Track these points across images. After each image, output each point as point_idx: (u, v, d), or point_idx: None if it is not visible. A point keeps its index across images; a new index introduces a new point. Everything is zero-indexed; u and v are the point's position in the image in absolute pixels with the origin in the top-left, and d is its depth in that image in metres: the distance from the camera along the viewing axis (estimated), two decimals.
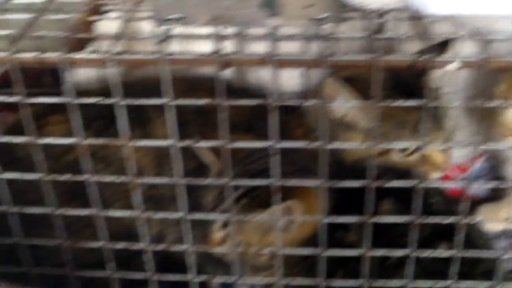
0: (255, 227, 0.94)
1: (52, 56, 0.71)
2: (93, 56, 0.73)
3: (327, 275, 1.01)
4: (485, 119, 1.38)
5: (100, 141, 0.77)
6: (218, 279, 0.95)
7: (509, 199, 1.34)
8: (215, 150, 0.97)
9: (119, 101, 0.72)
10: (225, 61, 0.70)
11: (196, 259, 1.22)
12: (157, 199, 1.19)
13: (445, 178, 1.40)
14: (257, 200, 0.90)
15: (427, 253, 0.83)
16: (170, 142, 0.74)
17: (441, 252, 0.86)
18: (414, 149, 1.15)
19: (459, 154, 1.45)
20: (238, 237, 0.96)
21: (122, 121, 0.73)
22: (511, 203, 1.33)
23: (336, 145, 0.77)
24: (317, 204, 0.94)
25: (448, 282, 0.86)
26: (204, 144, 0.75)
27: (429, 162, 1.14)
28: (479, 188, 1.47)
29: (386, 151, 1.13)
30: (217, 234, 0.96)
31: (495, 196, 1.45)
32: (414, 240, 0.79)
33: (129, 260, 1.21)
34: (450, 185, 0.85)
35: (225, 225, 0.94)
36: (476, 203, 1.43)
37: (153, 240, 1.21)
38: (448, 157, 1.16)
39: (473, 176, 1.48)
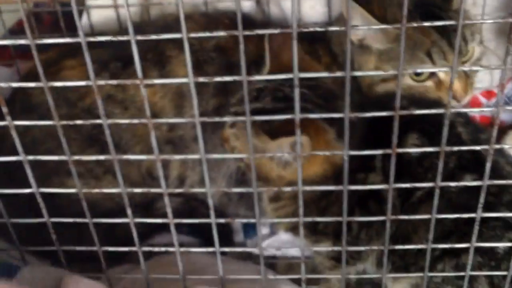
0: (272, 159, 0.93)
1: None
2: None
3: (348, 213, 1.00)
4: None
5: (113, 81, 0.74)
6: (239, 221, 0.93)
7: None
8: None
9: (132, 38, 0.69)
10: None
11: (217, 201, 1.22)
12: (177, 140, 1.17)
13: (472, 105, 1.38)
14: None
15: (453, 184, 0.80)
16: (185, 79, 0.71)
17: (467, 183, 0.82)
18: (429, 74, 1.12)
19: (487, 79, 1.41)
20: (235, 142, 0.95)
21: (136, 59, 0.70)
22: None
23: (359, 73, 0.74)
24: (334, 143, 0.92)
25: (473, 214, 0.82)
26: (220, 78, 0.72)
27: (445, 88, 1.11)
28: (507, 114, 1.45)
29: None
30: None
31: None
32: (441, 169, 0.76)
33: (151, 205, 1.21)
34: (477, 112, 0.82)
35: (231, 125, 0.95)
36: (504, 129, 1.41)
37: (174, 183, 1.21)
38: (468, 84, 1.13)
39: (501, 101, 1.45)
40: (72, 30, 1.40)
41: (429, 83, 1.12)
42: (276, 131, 0.86)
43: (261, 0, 1.31)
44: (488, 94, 1.43)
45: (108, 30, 1.28)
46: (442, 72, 1.12)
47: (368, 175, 1.00)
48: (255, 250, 0.90)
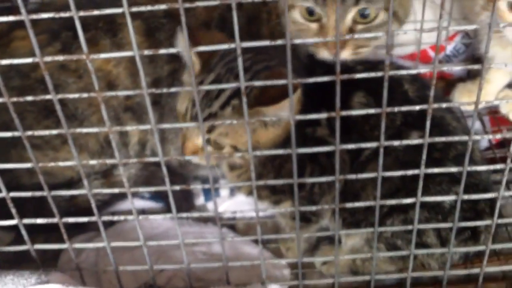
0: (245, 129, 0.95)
1: None
2: None
3: (299, 172, 1.03)
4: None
5: (60, 57, 0.75)
6: (195, 187, 0.95)
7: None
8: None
9: (75, 14, 0.70)
10: None
11: (177, 163, 1.24)
12: (135, 107, 1.18)
13: (421, 59, 1.40)
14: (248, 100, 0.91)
15: (397, 143, 0.82)
16: (131, 52, 0.72)
17: (410, 141, 0.85)
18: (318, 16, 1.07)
19: (433, 35, 1.43)
20: (224, 140, 0.96)
21: (80, 34, 0.71)
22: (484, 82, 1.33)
23: (298, 41, 0.76)
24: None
25: (417, 171, 0.85)
26: (165, 51, 0.73)
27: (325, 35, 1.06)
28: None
29: None
30: (194, 140, 0.97)
31: (471, 75, 1.46)
32: (383, 129, 0.79)
33: (110, 172, 1.23)
34: (422, 69, 0.83)
35: (209, 130, 0.95)
36: (452, 82, 1.44)
37: (135, 148, 1.23)
38: (349, 42, 1.07)
39: (448, 56, 1.48)
40: None
41: (314, 25, 1.07)
42: (277, 96, 0.89)
43: None
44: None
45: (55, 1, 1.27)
46: (326, 17, 1.05)
47: (315, 129, 1.03)
48: (211, 214, 0.92)
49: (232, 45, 0.71)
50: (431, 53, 1.46)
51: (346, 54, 1.06)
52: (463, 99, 1.37)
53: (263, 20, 1.19)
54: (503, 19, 1.11)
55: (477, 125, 1.38)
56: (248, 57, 0.96)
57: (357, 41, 1.07)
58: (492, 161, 1.29)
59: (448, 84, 1.46)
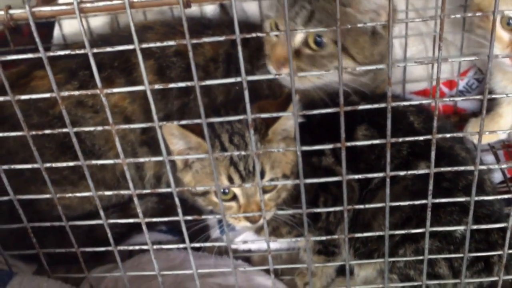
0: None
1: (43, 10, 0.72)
2: (62, 7, 0.73)
3: (312, 200, 1.04)
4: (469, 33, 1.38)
5: (75, 92, 0.79)
6: (206, 217, 0.97)
7: (496, 112, 1.35)
8: None
9: (89, 51, 0.74)
10: (186, 1, 0.71)
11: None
12: (150, 142, 1.22)
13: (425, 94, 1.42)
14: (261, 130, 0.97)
15: (402, 173, 0.84)
16: (142, 87, 0.76)
17: (416, 171, 0.86)
18: None
19: (448, 70, 1.45)
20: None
21: (94, 70, 0.75)
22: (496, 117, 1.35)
23: (303, 74, 0.78)
24: None
25: (424, 201, 0.86)
26: (174, 85, 0.77)
27: None
28: (469, 102, 1.50)
29: None
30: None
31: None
32: (389, 159, 0.81)
33: (127, 205, 1.26)
34: (423, 101, 0.85)
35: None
36: (466, 117, 1.45)
37: (150, 182, 1.26)
38: None
39: (461, 91, 1.50)
40: (49, 40, 1.45)
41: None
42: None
43: (225, 4, 1.36)
44: (450, 83, 1.48)
45: (80, 41, 1.33)
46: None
47: (321, 159, 1.05)
48: (224, 244, 0.95)
49: (239, 79, 0.74)
50: (444, 89, 1.48)
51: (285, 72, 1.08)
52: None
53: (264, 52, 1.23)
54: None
55: (491, 159, 1.39)
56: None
57: (300, 64, 1.11)
58: (507, 194, 1.28)
59: (461, 119, 1.47)
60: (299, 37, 1.10)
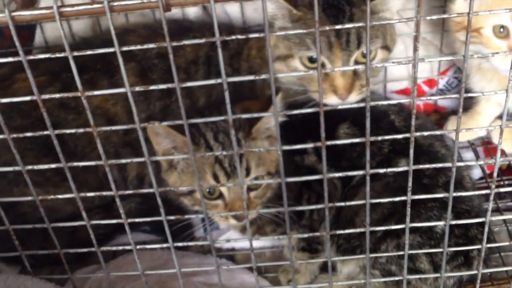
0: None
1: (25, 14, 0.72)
2: (42, 11, 0.73)
3: (297, 198, 1.05)
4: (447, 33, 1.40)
5: (56, 95, 0.79)
6: (189, 217, 0.98)
7: (474, 110, 1.37)
8: None
9: (69, 54, 0.74)
10: (166, 4, 0.71)
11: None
12: (133, 142, 1.23)
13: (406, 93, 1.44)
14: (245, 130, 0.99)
15: (382, 171, 0.85)
16: (123, 89, 0.76)
17: (395, 169, 0.87)
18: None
19: (428, 69, 1.47)
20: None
21: (75, 72, 0.75)
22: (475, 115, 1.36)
23: (282, 75, 0.79)
24: None
25: (404, 197, 0.88)
26: (155, 87, 0.77)
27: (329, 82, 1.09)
28: (449, 101, 1.51)
29: None
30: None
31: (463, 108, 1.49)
32: (368, 158, 0.82)
33: (111, 206, 1.26)
34: (402, 100, 0.86)
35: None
36: (445, 115, 1.47)
37: (133, 183, 1.27)
38: (355, 84, 1.09)
39: (442, 90, 1.52)
40: (31, 42, 1.45)
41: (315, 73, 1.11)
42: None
43: (208, 6, 1.36)
44: (430, 82, 1.50)
45: (62, 43, 1.32)
46: (329, 65, 1.08)
47: (303, 157, 1.06)
48: (207, 243, 0.96)
49: (219, 80, 0.75)
50: (425, 88, 1.50)
51: (354, 97, 1.08)
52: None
53: (244, 55, 1.24)
54: (489, 47, 1.09)
55: (471, 155, 1.40)
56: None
57: (361, 81, 1.09)
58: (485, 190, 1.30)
59: (441, 117, 1.49)
60: (353, 59, 1.08)
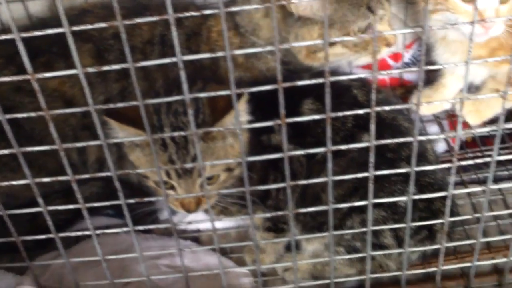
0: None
1: None
2: None
3: (263, 178, 1.04)
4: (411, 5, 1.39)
5: (6, 78, 0.77)
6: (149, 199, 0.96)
7: (439, 83, 1.37)
8: None
9: (17, 36, 0.71)
10: None
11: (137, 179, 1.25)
12: (92, 126, 1.20)
13: (381, 67, 1.43)
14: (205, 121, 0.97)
15: (344, 147, 0.84)
16: (75, 70, 0.74)
17: (357, 145, 0.87)
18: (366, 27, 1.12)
19: None
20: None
21: (24, 55, 0.72)
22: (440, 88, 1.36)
23: (239, 52, 0.77)
24: None
25: (366, 173, 0.87)
26: (108, 67, 0.75)
27: (381, 39, 1.13)
28: (414, 74, 1.51)
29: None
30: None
31: (428, 81, 1.49)
32: (329, 134, 0.81)
33: (72, 190, 1.24)
34: (362, 74, 0.84)
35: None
36: (410, 89, 1.47)
37: (93, 167, 1.24)
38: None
39: (407, 63, 1.51)
40: None
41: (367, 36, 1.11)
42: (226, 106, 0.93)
43: None
44: (395, 56, 1.49)
45: (19, 25, 1.29)
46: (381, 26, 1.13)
47: (270, 136, 1.05)
48: (169, 226, 0.94)
49: (174, 59, 0.73)
50: (390, 62, 1.49)
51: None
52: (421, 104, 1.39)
53: (203, 37, 1.21)
54: (456, 12, 1.06)
55: (436, 129, 1.41)
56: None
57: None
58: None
59: (407, 90, 1.49)
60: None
